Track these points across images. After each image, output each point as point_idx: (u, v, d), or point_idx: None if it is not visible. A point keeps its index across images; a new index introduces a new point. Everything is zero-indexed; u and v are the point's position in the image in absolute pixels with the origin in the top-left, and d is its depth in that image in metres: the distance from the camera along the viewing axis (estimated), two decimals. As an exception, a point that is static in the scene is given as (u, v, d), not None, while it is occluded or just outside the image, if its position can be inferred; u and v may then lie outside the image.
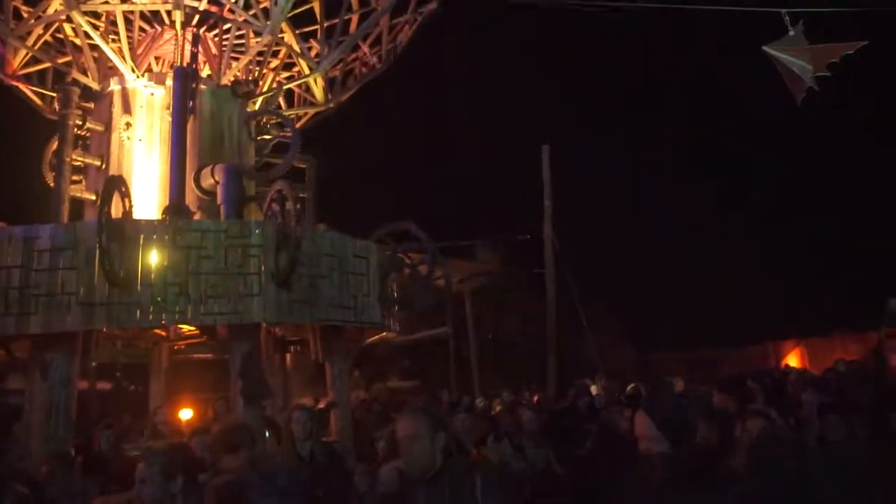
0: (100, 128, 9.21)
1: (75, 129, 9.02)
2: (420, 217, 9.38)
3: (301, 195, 7.45)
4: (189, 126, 8.89)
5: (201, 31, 9.93)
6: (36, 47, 10.02)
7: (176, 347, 10.57)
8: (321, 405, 15.87)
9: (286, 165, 9.07)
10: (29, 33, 9.87)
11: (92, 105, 9.79)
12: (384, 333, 10.37)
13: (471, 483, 2.93)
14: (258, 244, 7.31)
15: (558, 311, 17.68)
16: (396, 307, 9.64)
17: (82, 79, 9.64)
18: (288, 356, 12.70)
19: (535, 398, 13.44)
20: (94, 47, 9.69)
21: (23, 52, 10.09)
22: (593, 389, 11.97)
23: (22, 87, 10.13)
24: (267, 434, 8.80)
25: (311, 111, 11.77)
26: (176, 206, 7.55)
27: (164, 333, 10.09)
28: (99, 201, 6.32)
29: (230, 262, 7.18)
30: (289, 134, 10.05)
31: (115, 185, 6.85)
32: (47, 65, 10.40)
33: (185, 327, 9.55)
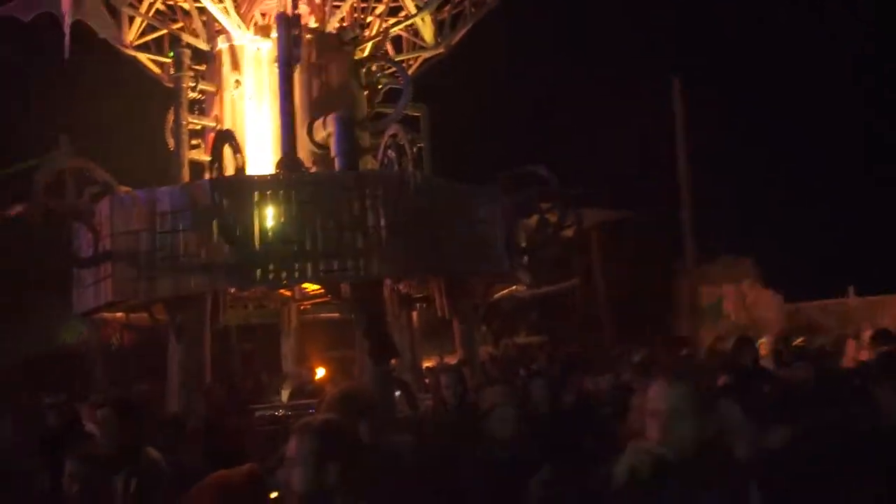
0: (212, 88, 9.04)
1: (189, 92, 8.88)
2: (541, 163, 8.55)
3: (417, 144, 6.87)
4: (297, 78, 8.48)
5: (303, -22, 9.47)
6: (150, 15, 10.00)
7: (302, 307, 10.48)
8: (449, 363, 15.63)
9: (398, 113, 8.48)
10: (141, 1, 9.83)
11: (204, 67, 9.65)
12: (513, 286, 9.71)
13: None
14: (376, 194, 6.80)
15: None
16: (526, 257, 8.92)
17: (193, 41, 9.49)
18: (414, 314, 12.43)
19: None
20: (202, 9, 9.51)
21: (138, 21, 10.11)
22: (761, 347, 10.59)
23: (140, 56, 10.18)
24: (397, 394, 8.51)
25: (422, 56, 11.07)
26: (288, 160, 7.20)
27: (289, 294, 9.99)
28: (209, 158, 6.02)
29: (348, 215, 6.72)
30: (400, 81, 9.47)
31: (225, 139, 6.55)
32: (162, 32, 10.40)
33: (310, 286, 9.38)
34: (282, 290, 9.70)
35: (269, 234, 6.60)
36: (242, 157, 6.73)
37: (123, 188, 7.16)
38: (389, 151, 7.07)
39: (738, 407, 4.68)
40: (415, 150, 6.43)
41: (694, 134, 15.63)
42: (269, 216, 6.62)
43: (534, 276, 10.49)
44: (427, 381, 13.14)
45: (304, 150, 7.99)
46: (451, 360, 15.80)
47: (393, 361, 7.91)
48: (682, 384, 2.34)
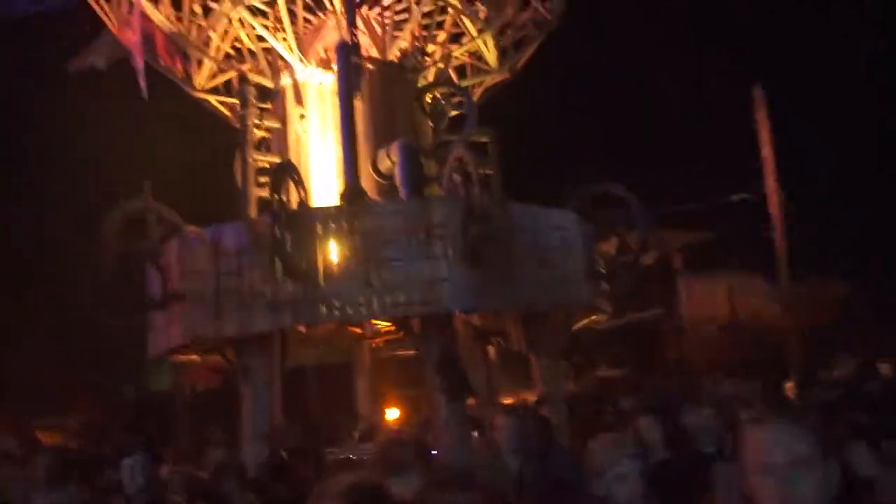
0: (276, 124, 8.98)
1: (254, 129, 8.85)
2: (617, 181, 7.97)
3: (484, 168, 6.51)
4: (359, 108, 8.30)
5: (363, 9, 9.37)
6: (218, 58, 10.16)
7: (374, 345, 10.16)
8: (528, 402, 14.92)
9: (464, 139, 8.14)
10: (207, 45, 9.99)
11: (270, 105, 9.65)
12: (594, 316, 9.08)
13: None
14: (442, 223, 6.42)
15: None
16: (605, 285, 8.30)
17: (258, 79, 9.53)
18: (490, 348, 11.91)
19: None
20: (268, 49, 9.57)
21: (207, 65, 10.29)
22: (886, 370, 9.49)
23: (210, 98, 10.32)
24: (475, 435, 7.99)
25: (486, 80, 10.76)
26: (351, 190, 6.94)
27: (358, 331, 9.70)
28: (270, 191, 5.82)
29: (414, 245, 6.36)
30: (464, 107, 9.16)
31: (286, 171, 6.35)
32: (230, 75, 10.55)
33: (381, 323, 9.05)
34: (351, 327, 9.43)
35: (334, 267, 6.31)
36: (305, 190, 6.50)
37: (191, 227, 7.06)
38: (455, 176, 6.70)
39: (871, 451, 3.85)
40: (482, 173, 6.00)
41: (779, 143, 14.61)
42: (333, 249, 6.33)
43: (614, 304, 9.82)
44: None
45: (368, 182, 7.74)
46: (531, 396, 15.12)
47: (471, 399, 7.44)
48: (802, 426, 1.71)
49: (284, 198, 6.38)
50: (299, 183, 6.44)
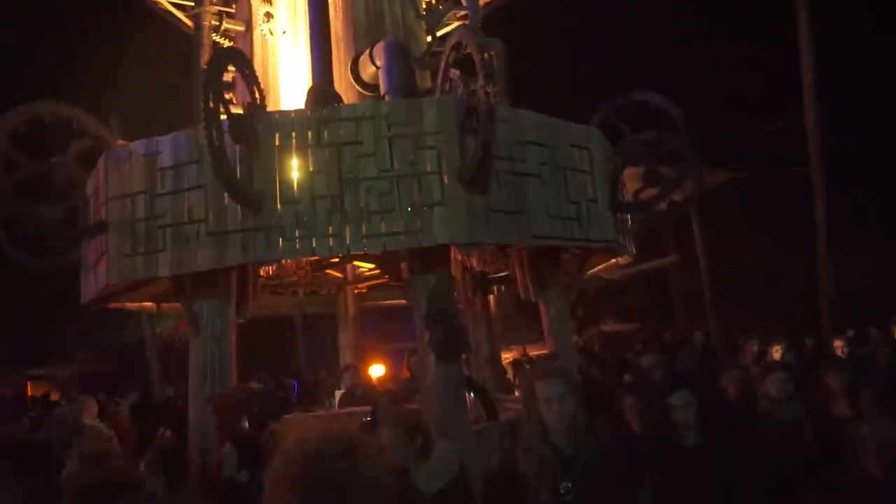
0: (240, 27, 7.46)
1: (213, 33, 7.34)
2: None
3: (489, 51, 4.98)
4: (338, 5, 6.78)
5: None
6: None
7: (356, 291, 8.86)
8: (534, 354, 13.70)
9: (474, 20, 6.64)
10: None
11: (233, 9, 8.11)
12: (615, 258, 7.72)
13: None
14: (435, 130, 4.98)
15: (831, 231, 13.27)
16: (632, 218, 6.92)
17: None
18: (492, 297, 10.62)
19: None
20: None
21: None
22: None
23: (163, 2, 8.77)
24: (471, 395, 6.72)
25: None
26: (320, 92, 5.51)
27: (338, 274, 8.38)
28: (203, 83, 4.37)
29: (399, 159, 4.95)
30: (465, 6, 7.62)
31: (227, 58, 4.87)
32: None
33: (363, 265, 7.72)
34: (331, 270, 8.11)
35: (295, 188, 4.91)
36: (260, 91, 5.05)
37: (122, 141, 5.63)
38: (452, 71, 5.24)
39: None
40: (488, 57, 4.55)
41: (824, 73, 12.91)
42: (295, 166, 4.93)
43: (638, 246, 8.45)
44: (511, 378, 11.36)
45: (348, 94, 6.28)
46: (536, 351, 13.91)
47: (465, 356, 6.17)
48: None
49: (232, 98, 4.92)
50: (252, 80, 4.99)
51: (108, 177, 5.56)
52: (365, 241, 4.83)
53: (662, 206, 7.85)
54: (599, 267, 8.24)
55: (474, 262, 7.79)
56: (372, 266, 7.64)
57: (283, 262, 7.82)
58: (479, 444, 5.64)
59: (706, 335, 15.03)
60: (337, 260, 7.27)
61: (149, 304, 7.82)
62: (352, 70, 6.61)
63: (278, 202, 4.87)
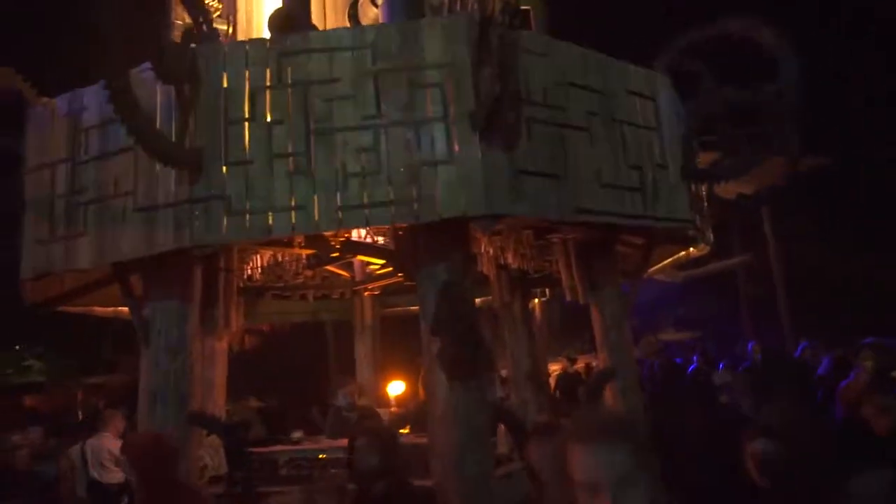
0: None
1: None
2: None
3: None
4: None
5: None
6: None
7: (367, 294, 7.50)
8: (582, 366, 12.06)
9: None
10: None
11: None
12: (687, 250, 6.14)
13: None
14: (438, 62, 3.56)
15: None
16: (705, 202, 5.35)
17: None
18: (536, 301, 9.12)
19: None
20: None
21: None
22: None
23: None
24: (500, 429, 5.25)
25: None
26: (285, 17, 4.20)
27: (345, 273, 7.04)
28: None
29: (388, 102, 3.55)
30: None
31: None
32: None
33: (371, 259, 6.34)
34: (333, 267, 6.77)
35: (247, 145, 3.56)
36: (202, 13, 3.72)
37: (45, 99, 4.41)
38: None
39: None
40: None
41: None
42: (247, 114, 3.59)
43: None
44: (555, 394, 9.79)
45: (332, 14, 4.94)
46: (586, 361, 12.27)
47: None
48: None
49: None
50: (196, 5, 3.67)
51: (29, 143, 4.34)
52: (340, 215, 3.43)
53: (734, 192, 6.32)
54: (666, 262, 6.67)
55: (510, 258, 6.32)
56: (384, 262, 6.27)
57: (280, 258, 6.61)
58: (505, 491, 4.20)
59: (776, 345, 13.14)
60: (336, 254, 5.94)
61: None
62: (350, 16, 5.27)
63: (223, 164, 3.52)
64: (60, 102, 4.19)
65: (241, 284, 6.52)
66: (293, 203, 3.43)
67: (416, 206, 3.39)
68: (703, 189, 5.26)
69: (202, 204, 3.51)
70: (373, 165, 3.44)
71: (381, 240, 6.13)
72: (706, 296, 21.93)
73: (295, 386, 14.72)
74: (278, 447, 5.51)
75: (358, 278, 7.01)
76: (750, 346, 10.55)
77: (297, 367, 17.04)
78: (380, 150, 3.46)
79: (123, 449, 3.43)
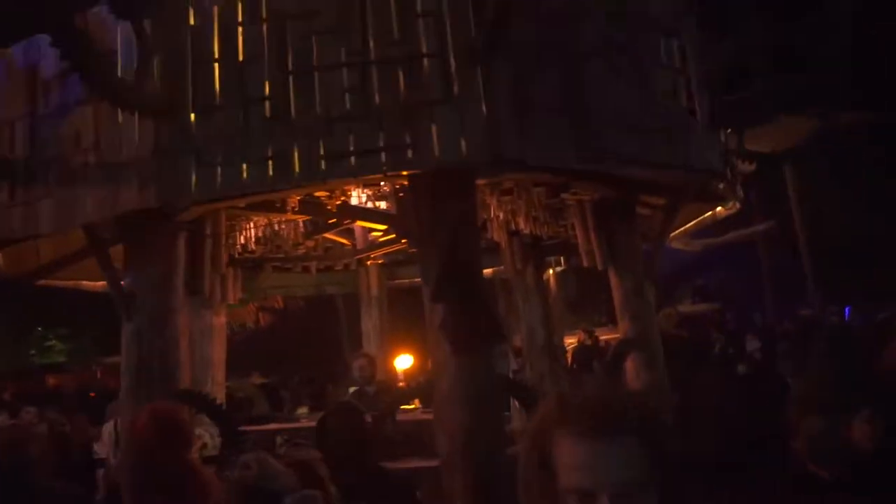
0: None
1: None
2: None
3: None
4: None
5: None
6: None
7: (370, 263, 7.10)
8: (602, 339, 11.60)
9: None
10: None
11: None
12: (716, 209, 5.66)
13: None
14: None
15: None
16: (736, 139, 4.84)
17: None
18: (550, 271, 8.68)
19: None
20: None
21: None
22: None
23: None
24: (513, 404, 4.84)
25: None
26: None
27: (344, 241, 6.64)
28: None
29: (377, 35, 3.09)
30: None
31: None
32: None
33: (373, 225, 5.92)
34: (332, 234, 6.37)
35: (217, 89, 3.13)
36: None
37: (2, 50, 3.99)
38: None
39: None
40: None
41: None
42: (217, 54, 3.15)
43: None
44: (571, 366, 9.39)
45: None
46: (607, 335, 11.82)
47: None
48: None
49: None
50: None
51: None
52: (323, 165, 2.99)
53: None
54: (689, 224, 6.19)
55: (522, 223, 5.87)
56: (385, 228, 5.85)
57: (277, 226, 6.22)
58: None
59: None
60: (333, 220, 5.53)
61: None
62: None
63: (190, 111, 3.09)
64: (16, 52, 3.77)
65: (237, 255, 6.16)
66: (269, 153, 3.00)
67: (410, 153, 2.94)
68: (733, 140, 4.75)
69: (168, 158, 3.09)
70: (360, 108, 3.00)
71: (382, 205, 5.73)
72: (726, 266, 21.35)
73: (308, 361, 14.47)
74: (274, 425, 5.15)
75: (359, 247, 6.60)
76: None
77: (310, 342, 16.80)
78: (367, 91, 3.01)
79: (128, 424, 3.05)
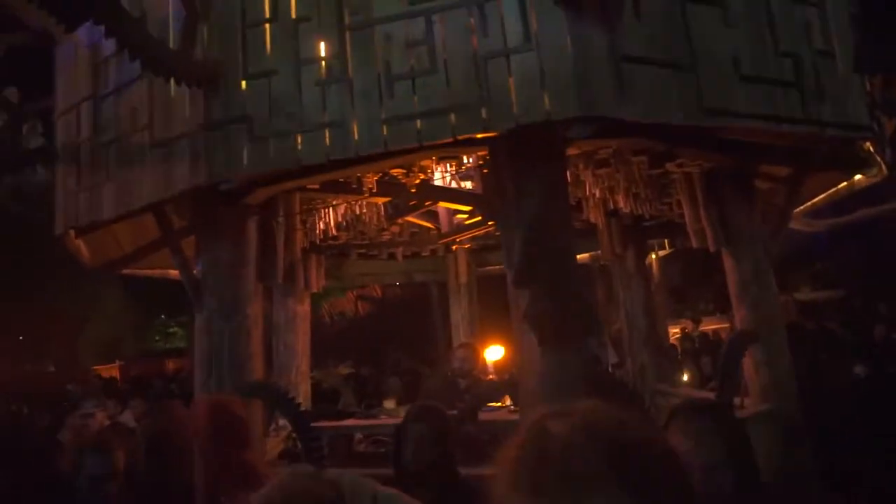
0: None
1: None
2: None
3: None
4: None
5: None
6: None
7: (456, 248, 6.71)
8: (710, 328, 10.70)
9: None
10: None
11: None
12: (856, 177, 4.85)
13: None
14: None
15: None
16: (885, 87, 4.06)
17: None
18: (653, 256, 7.99)
19: None
20: None
21: None
22: None
23: None
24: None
25: None
26: None
27: (429, 225, 6.28)
28: None
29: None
30: None
31: None
32: None
33: (458, 207, 5.52)
34: (414, 218, 6.03)
35: (269, 51, 2.82)
36: None
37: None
38: None
39: None
40: None
41: None
42: (273, 13, 2.84)
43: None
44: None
45: None
46: (713, 325, 10.91)
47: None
48: None
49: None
50: None
51: (58, 85, 3.85)
52: (385, 131, 2.61)
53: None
54: (820, 197, 5.39)
55: (621, 201, 5.28)
56: (470, 209, 5.45)
57: (359, 210, 5.96)
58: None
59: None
60: (414, 202, 5.18)
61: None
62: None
63: (241, 77, 2.79)
64: (82, 33, 3.64)
65: (318, 242, 5.96)
66: (325, 119, 2.65)
67: (483, 112, 2.51)
68: (878, 90, 3.98)
69: (219, 131, 2.82)
70: (425, 63, 2.59)
71: (468, 185, 5.34)
72: (849, 248, 19.50)
73: (404, 350, 14.37)
74: (352, 421, 4.88)
75: (444, 230, 6.23)
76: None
77: (406, 331, 16.74)
78: (433, 43, 2.59)
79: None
